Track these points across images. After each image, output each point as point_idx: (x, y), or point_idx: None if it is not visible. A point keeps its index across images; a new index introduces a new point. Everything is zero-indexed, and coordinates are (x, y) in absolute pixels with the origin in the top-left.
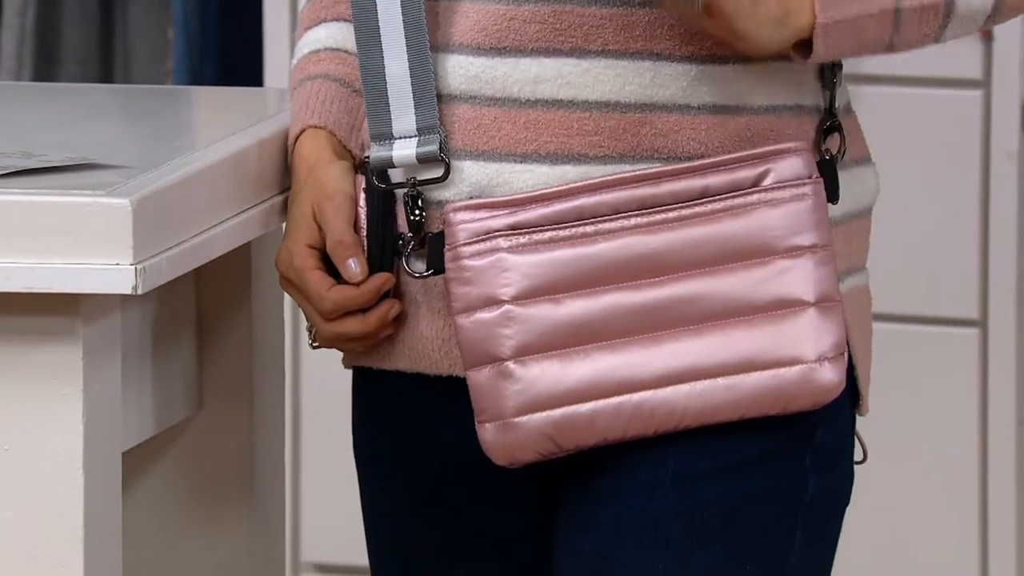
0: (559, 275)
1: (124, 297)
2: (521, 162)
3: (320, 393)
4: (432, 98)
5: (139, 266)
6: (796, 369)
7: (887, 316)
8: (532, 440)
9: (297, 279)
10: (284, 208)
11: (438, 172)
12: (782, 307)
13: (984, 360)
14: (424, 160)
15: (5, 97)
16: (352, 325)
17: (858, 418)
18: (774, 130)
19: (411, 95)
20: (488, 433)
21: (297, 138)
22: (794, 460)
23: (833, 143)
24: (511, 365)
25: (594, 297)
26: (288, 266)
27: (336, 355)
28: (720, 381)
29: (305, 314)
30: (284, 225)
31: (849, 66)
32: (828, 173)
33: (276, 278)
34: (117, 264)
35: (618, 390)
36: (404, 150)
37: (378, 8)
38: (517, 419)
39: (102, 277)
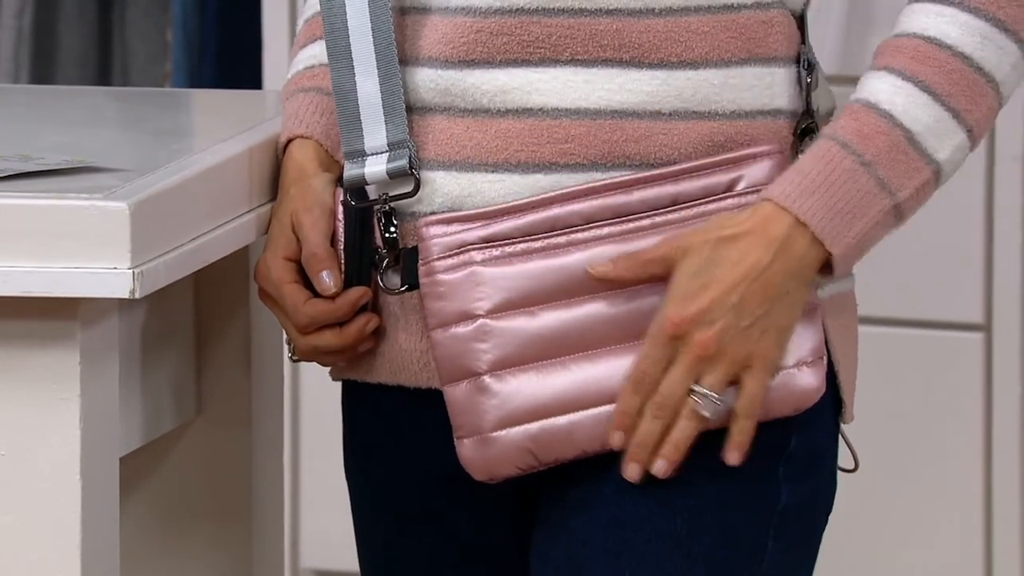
0: (534, 287)
1: (122, 301)
2: (492, 172)
3: (319, 398)
4: (401, 112)
5: (137, 270)
6: (775, 376)
7: (891, 320)
8: (511, 454)
9: (274, 292)
10: None
11: (407, 187)
12: None
13: (988, 365)
14: (395, 175)
15: (2, 100)
16: (329, 338)
17: (858, 423)
18: (747, 135)
19: (382, 111)
20: (467, 449)
21: (285, 148)
22: (766, 469)
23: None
24: (487, 380)
25: (570, 308)
26: (266, 279)
27: None
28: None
29: (283, 327)
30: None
31: (836, 68)
32: None
33: None
34: (115, 268)
35: (597, 401)
36: (375, 166)
37: (349, 25)
38: (495, 433)
39: (100, 281)
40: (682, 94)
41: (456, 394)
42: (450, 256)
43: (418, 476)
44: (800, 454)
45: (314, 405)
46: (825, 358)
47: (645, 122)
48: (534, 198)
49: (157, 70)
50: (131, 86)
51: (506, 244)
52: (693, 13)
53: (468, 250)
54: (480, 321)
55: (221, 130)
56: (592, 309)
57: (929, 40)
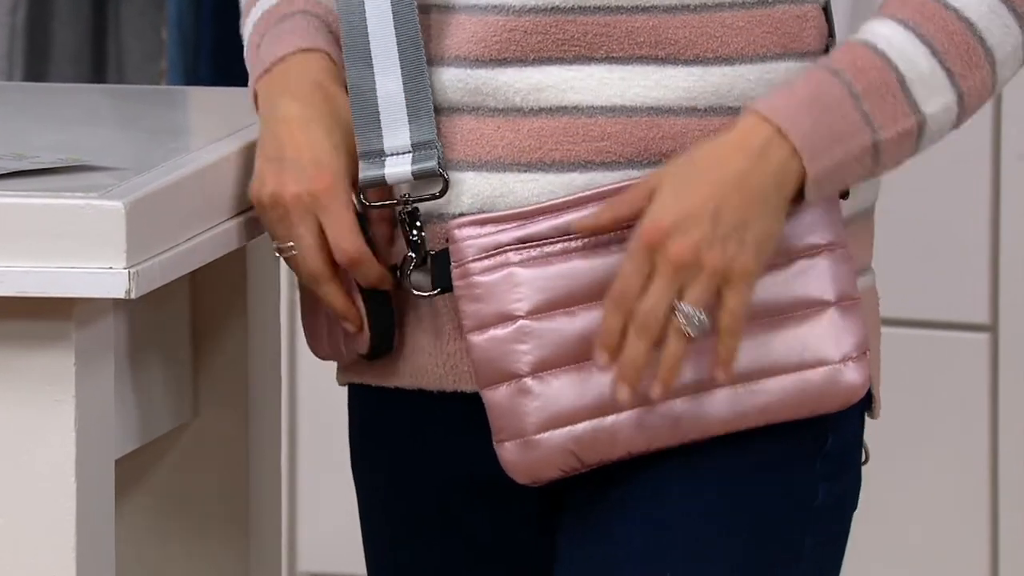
0: (573, 287)
1: (117, 301)
2: (525, 171)
3: (317, 400)
4: (429, 113)
5: (132, 270)
6: (821, 371)
7: (896, 321)
8: (554, 457)
9: (327, 200)
10: None
11: (435, 188)
12: (803, 308)
13: (994, 365)
14: (421, 176)
15: None
16: (334, 292)
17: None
18: None
19: (405, 111)
20: (509, 452)
21: (281, 60)
22: (804, 466)
23: None
24: (529, 381)
25: None
26: (318, 178)
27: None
28: (746, 386)
29: (298, 240)
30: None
31: None
32: None
33: (273, 282)
34: (110, 268)
35: (640, 401)
36: (397, 167)
37: (368, 25)
38: (538, 436)
39: (95, 281)
40: (718, 90)
41: (496, 397)
42: (486, 257)
43: (436, 478)
44: (835, 451)
45: (312, 407)
46: (868, 352)
47: (681, 119)
48: (569, 197)
49: (152, 68)
50: (126, 84)
51: (544, 244)
52: (728, 8)
53: (504, 251)
54: (520, 322)
55: (217, 128)
56: None
57: None
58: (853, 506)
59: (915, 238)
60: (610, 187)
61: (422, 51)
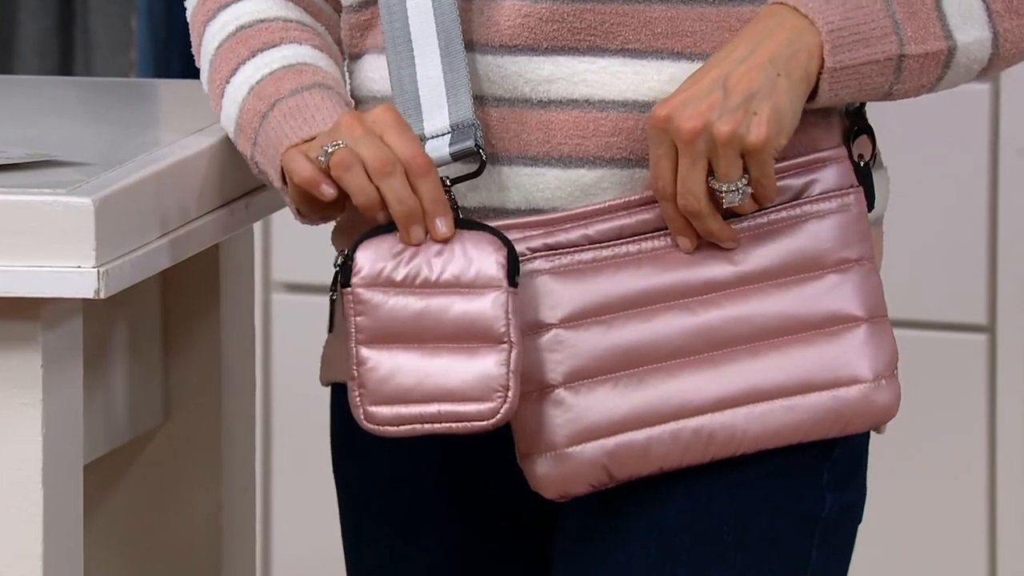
0: (608, 296)
1: (86, 302)
2: (531, 165)
3: (294, 403)
4: (466, 92)
5: (102, 269)
6: (855, 389)
7: (893, 322)
8: (586, 471)
9: (400, 128)
10: (255, 209)
11: (470, 169)
12: (835, 323)
13: (992, 366)
14: (459, 157)
15: None
16: (399, 187)
17: None
18: (803, 131)
19: (444, 94)
20: (539, 466)
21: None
22: (811, 476)
23: (864, 147)
24: (562, 392)
25: (645, 318)
26: (390, 117)
27: (311, 362)
28: (780, 403)
29: (366, 145)
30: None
31: None
32: (865, 180)
33: (247, 282)
34: (79, 267)
35: (674, 415)
36: (436, 151)
37: (408, 12)
38: (570, 449)
39: (63, 280)
40: None
41: (524, 410)
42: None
43: (425, 487)
44: (842, 460)
45: (288, 410)
46: (897, 371)
47: None
48: (598, 206)
49: (122, 59)
50: (94, 76)
51: (574, 252)
52: (748, 2)
53: (534, 258)
54: (553, 331)
55: (190, 122)
56: (669, 319)
57: None
58: (859, 517)
59: (911, 235)
60: (640, 197)
61: (459, 33)
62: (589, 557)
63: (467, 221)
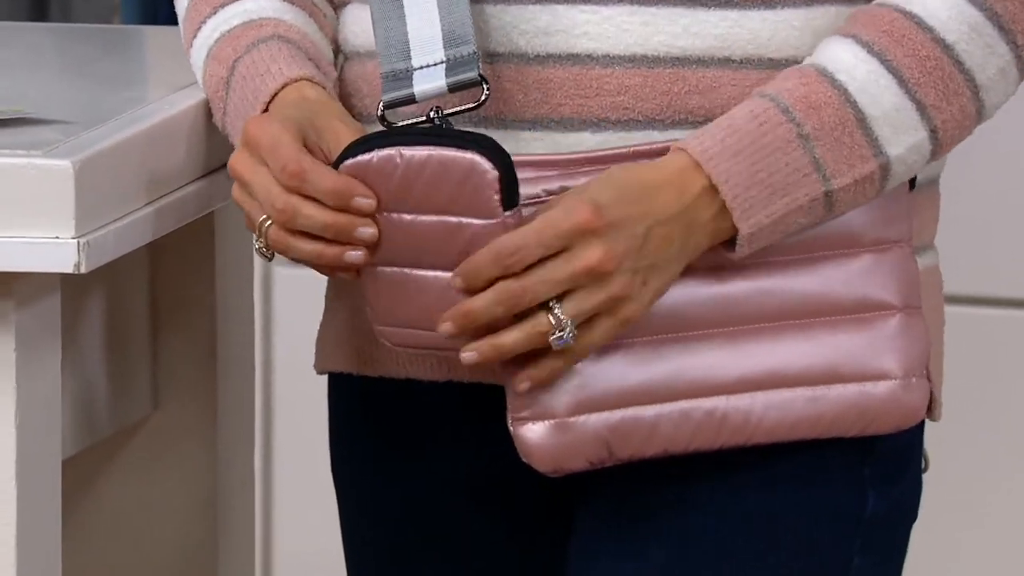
0: None
1: (64, 277)
2: (529, 129)
3: (297, 389)
4: (466, 12)
5: (82, 240)
6: (883, 386)
7: (957, 298)
8: (586, 445)
9: (268, 141)
10: None
11: (470, 100)
12: (867, 309)
13: None
14: (457, 88)
15: None
16: (312, 210)
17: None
18: None
19: (439, 24)
20: (535, 434)
21: (274, 95)
22: (849, 472)
23: None
24: None
25: None
26: (261, 135)
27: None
28: (803, 392)
29: (262, 191)
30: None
31: None
32: None
33: (245, 255)
34: (56, 238)
35: (688, 393)
36: (428, 83)
37: None
38: (573, 418)
39: (38, 253)
40: (757, 38)
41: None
42: (526, 204)
43: (428, 484)
44: (886, 454)
45: (291, 399)
46: (928, 370)
47: (712, 71)
48: (622, 149)
49: (104, 3)
50: (72, 23)
51: None
52: None
53: (546, 200)
54: None
55: (179, 76)
56: (689, 289)
57: (909, 16)
58: (912, 517)
59: (976, 209)
60: (661, 144)
61: None
62: (606, 566)
63: (454, 133)
